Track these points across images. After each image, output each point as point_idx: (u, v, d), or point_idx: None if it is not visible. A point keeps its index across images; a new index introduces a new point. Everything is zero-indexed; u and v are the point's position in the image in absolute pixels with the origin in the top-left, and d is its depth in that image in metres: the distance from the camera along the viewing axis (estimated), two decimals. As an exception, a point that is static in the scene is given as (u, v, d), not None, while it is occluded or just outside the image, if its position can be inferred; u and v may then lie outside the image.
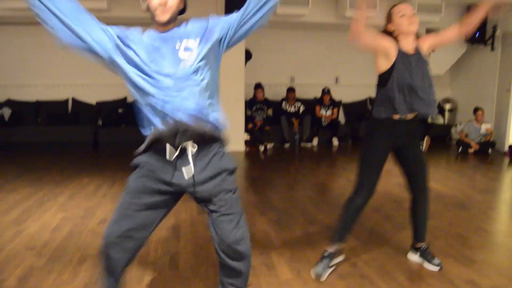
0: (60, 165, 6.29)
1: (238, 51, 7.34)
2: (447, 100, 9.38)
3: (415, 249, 3.05)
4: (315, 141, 8.29)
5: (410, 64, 2.59)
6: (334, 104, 8.48)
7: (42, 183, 5.25)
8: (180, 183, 1.89)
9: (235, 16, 1.97)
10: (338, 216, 2.90)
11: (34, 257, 3.10)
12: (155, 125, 1.85)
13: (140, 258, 3.05)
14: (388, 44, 2.60)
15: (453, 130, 8.81)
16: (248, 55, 7.64)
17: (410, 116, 2.65)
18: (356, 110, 9.17)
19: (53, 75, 8.38)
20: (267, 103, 8.26)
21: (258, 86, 8.16)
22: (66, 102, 8.45)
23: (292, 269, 2.93)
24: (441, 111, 9.30)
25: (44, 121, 8.11)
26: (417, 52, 2.66)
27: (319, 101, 8.49)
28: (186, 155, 1.84)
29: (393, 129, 2.70)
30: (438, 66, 8.61)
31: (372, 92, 9.28)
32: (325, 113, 8.39)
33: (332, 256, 2.86)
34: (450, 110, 9.25)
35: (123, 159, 6.74)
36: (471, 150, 7.51)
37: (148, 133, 1.89)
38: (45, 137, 7.82)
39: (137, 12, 6.84)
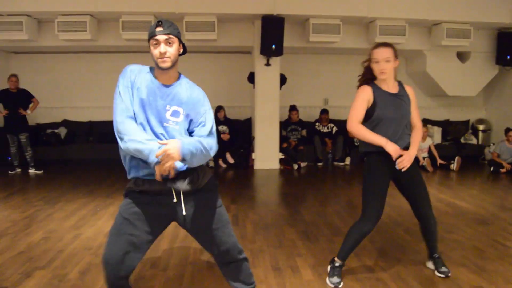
0: (110, 180, 6.89)
1: (274, 76, 7.84)
2: (480, 121, 9.48)
3: (431, 258, 3.34)
4: (348, 161, 8.58)
5: (389, 101, 2.91)
6: (366, 125, 8.76)
7: (95, 195, 5.85)
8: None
9: (198, 130, 2.26)
10: (344, 237, 3.15)
11: (91, 256, 3.61)
12: None
13: (181, 260, 3.51)
14: (365, 98, 2.91)
15: (486, 150, 8.88)
16: (283, 79, 8.10)
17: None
18: (389, 130, 9.40)
19: (104, 97, 9.02)
20: (301, 124, 8.67)
21: (293, 108, 8.59)
22: (114, 122, 9.14)
23: (315, 272, 3.29)
24: (475, 131, 9.40)
25: (96, 139, 8.84)
26: (400, 93, 2.96)
27: (351, 122, 8.80)
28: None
29: (386, 158, 2.90)
30: (470, 88, 8.79)
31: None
32: (357, 133, 8.66)
33: (342, 266, 3.13)
34: (484, 131, 9.35)
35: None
36: (503, 170, 7.60)
37: None
38: (96, 154, 8.57)
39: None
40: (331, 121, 8.89)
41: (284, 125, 8.60)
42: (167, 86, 2.23)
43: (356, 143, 8.68)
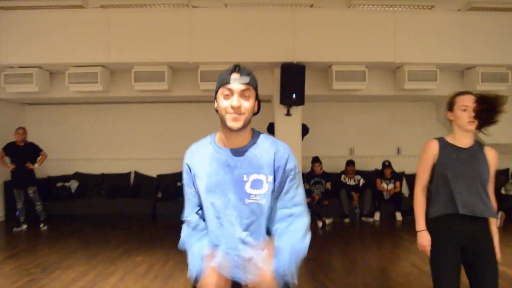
0: (117, 240, 6.36)
1: (295, 127, 7.33)
2: (525, 171, 8.67)
3: None
4: (377, 216, 7.87)
5: (458, 156, 2.56)
6: (396, 177, 8.10)
7: (97, 260, 5.30)
8: None
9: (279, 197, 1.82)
10: None
11: None
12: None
13: None
14: (429, 158, 2.64)
15: (533, 204, 8.05)
16: (305, 130, 7.57)
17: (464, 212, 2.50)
18: (421, 182, 8.71)
19: (118, 149, 8.82)
20: (325, 176, 8.06)
21: (316, 160, 8.02)
22: (128, 174, 8.77)
23: None
24: (520, 182, 8.59)
25: (107, 193, 8.42)
26: (473, 148, 2.60)
27: (379, 174, 8.15)
28: None
29: (451, 227, 2.55)
30: (509, 134, 8.03)
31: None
32: (386, 186, 8.01)
33: None
34: (530, 182, 8.51)
35: (178, 235, 6.75)
36: (555, 229, 6.75)
37: None
38: (107, 209, 8.14)
39: (195, 91, 7.14)
40: (358, 172, 8.25)
41: (307, 178, 7.99)
42: (239, 150, 1.77)
43: (385, 197, 8.00)
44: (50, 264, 5.17)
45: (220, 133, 1.81)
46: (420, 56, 6.96)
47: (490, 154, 2.62)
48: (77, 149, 8.78)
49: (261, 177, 1.74)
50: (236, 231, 1.75)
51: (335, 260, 5.42)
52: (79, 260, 5.31)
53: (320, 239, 6.65)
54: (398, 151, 9.02)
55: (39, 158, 7.33)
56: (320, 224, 7.40)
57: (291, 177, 1.79)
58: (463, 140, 2.61)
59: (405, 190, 8.65)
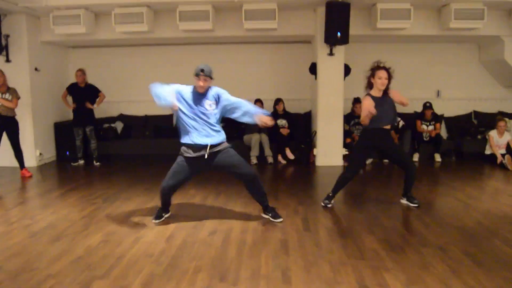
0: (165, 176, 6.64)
1: (337, 66, 7.34)
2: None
3: (404, 196, 5.00)
4: (416, 157, 7.97)
5: (378, 102, 4.63)
6: (436, 119, 8.09)
7: (152, 193, 5.60)
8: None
9: (228, 106, 4.22)
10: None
11: (153, 264, 3.31)
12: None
13: (253, 271, 3.13)
14: (367, 104, 4.62)
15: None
16: (347, 70, 7.55)
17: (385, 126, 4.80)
18: (460, 124, 8.68)
19: (160, 91, 8.97)
20: (365, 117, 8.09)
21: (357, 101, 8.02)
22: (171, 116, 8.97)
23: (409, 292, 2.81)
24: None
25: (151, 134, 8.70)
26: (383, 96, 4.71)
27: (420, 116, 8.15)
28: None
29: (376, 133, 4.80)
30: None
31: (477, 106, 8.73)
32: (426, 128, 8.03)
33: (331, 199, 4.98)
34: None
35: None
36: None
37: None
38: (152, 149, 8.45)
39: (238, 31, 7.15)
40: (398, 114, 8.24)
41: (346, 118, 8.05)
42: (202, 92, 4.16)
43: (425, 139, 8.04)
44: (109, 195, 5.51)
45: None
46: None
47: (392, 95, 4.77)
48: (121, 91, 8.98)
49: (210, 101, 4.14)
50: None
51: (380, 194, 5.58)
52: (136, 193, 5.64)
53: (361, 177, 6.76)
54: (438, 93, 8.94)
55: (98, 99, 7.77)
56: (360, 163, 7.54)
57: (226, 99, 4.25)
58: (378, 93, 4.69)
59: (443, 133, 8.65)
